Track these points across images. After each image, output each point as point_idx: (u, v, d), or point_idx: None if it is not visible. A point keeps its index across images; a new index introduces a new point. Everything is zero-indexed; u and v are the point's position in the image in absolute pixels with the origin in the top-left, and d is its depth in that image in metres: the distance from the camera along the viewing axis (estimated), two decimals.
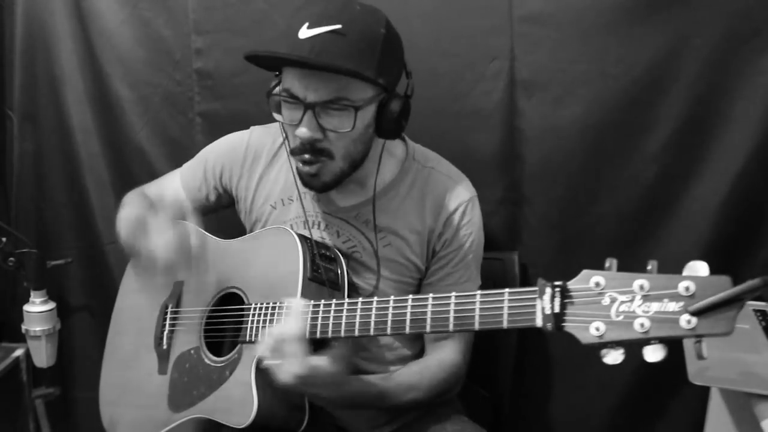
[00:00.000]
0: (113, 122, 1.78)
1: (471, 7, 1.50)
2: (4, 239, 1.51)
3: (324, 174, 1.10)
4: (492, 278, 1.30)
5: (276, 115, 1.12)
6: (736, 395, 1.26)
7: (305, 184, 1.14)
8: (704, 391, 1.39)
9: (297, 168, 1.13)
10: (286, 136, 1.15)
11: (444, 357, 1.19)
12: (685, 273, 0.71)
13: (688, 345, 1.19)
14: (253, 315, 1.10)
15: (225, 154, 1.30)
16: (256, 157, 1.27)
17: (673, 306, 0.71)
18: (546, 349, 1.61)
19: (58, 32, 1.76)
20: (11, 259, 1.51)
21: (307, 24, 1.01)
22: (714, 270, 0.73)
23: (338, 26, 1.00)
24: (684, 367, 1.14)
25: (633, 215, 1.49)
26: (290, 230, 1.15)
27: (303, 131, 1.05)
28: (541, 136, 1.51)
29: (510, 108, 1.51)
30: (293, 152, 1.11)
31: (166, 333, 1.26)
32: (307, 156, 1.08)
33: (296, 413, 1.10)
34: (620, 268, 0.77)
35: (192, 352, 1.20)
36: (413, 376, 1.16)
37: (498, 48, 1.49)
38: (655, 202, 1.48)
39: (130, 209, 1.29)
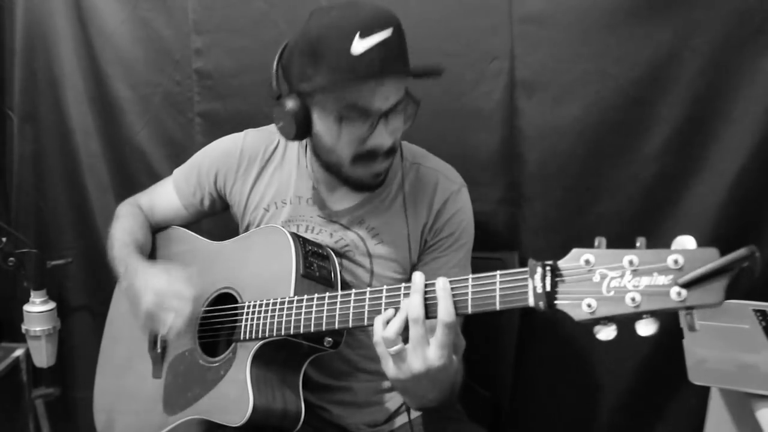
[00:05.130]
0: (113, 122, 1.78)
1: (471, 7, 1.50)
2: (4, 239, 1.50)
3: (385, 171, 1.13)
4: None
5: (319, 136, 1.09)
6: (736, 395, 1.26)
7: (363, 187, 1.14)
8: (704, 391, 1.39)
9: (354, 175, 1.11)
10: (323, 153, 1.12)
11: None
12: (673, 247, 0.71)
13: (689, 345, 1.19)
14: (247, 314, 1.10)
15: (219, 159, 1.29)
16: (251, 162, 1.27)
17: (662, 279, 0.71)
18: (546, 348, 1.61)
19: (58, 32, 1.76)
20: (11, 259, 1.51)
21: (358, 34, 0.97)
22: None
23: (389, 32, 0.99)
24: (684, 367, 1.14)
25: (633, 215, 1.49)
26: (282, 228, 1.15)
27: (382, 141, 1.04)
28: (541, 136, 1.51)
29: (510, 108, 1.51)
30: (358, 159, 1.07)
31: (160, 337, 1.26)
32: (380, 159, 1.08)
33: (292, 411, 1.10)
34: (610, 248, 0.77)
35: (186, 354, 1.20)
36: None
37: (498, 48, 1.49)
38: (655, 202, 1.48)
39: (122, 223, 1.31)
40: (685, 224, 1.45)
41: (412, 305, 0.88)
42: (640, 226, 1.47)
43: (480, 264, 1.25)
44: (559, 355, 1.60)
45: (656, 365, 1.53)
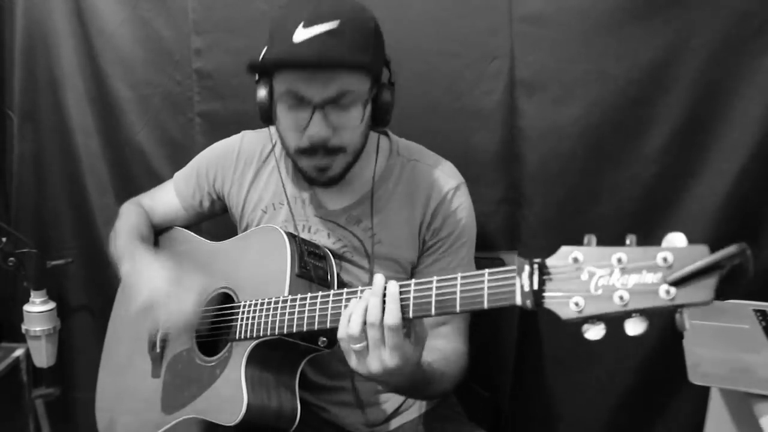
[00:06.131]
0: (113, 122, 1.78)
1: (471, 7, 1.50)
2: (4, 239, 1.51)
3: (334, 168, 1.11)
4: None
5: (277, 122, 1.12)
6: (736, 395, 1.26)
7: (311, 180, 1.14)
8: (704, 391, 1.39)
9: (301, 167, 1.13)
10: (280, 139, 1.15)
11: (457, 346, 1.18)
12: (663, 245, 0.70)
13: (689, 345, 1.19)
14: (242, 313, 1.10)
15: (218, 161, 1.30)
16: (247, 163, 1.27)
17: (651, 277, 0.70)
18: (546, 348, 1.61)
19: (58, 32, 1.76)
20: (11, 259, 1.51)
21: (302, 24, 1.00)
22: None
23: (335, 24, 1.00)
24: (684, 367, 1.14)
25: (633, 215, 1.49)
26: (278, 228, 1.15)
27: (316, 132, 1.05)
28: (541, 136, 1.50)
29: (510, 108, 1.51)
30: (300, 152, 1.10)
31: (159, 336, 1.26)
32: (320, 154, 1.08)
33: (287, 411, 1.10)
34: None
35: (184, 353, 1.20)
36: (442, 363, 1.11)
37: (498, 48, 1.49)
38: (655, 202, 1.48)
39: (127, 219, 1.31)
40: (685, 224, 1.45)
41: (369, 307, 0.89)
42: (640, 226, 1.47)
43: (480, 264, 1.26)
44: (559, 355, 1.60)
45: (656, 365, 1.53)
